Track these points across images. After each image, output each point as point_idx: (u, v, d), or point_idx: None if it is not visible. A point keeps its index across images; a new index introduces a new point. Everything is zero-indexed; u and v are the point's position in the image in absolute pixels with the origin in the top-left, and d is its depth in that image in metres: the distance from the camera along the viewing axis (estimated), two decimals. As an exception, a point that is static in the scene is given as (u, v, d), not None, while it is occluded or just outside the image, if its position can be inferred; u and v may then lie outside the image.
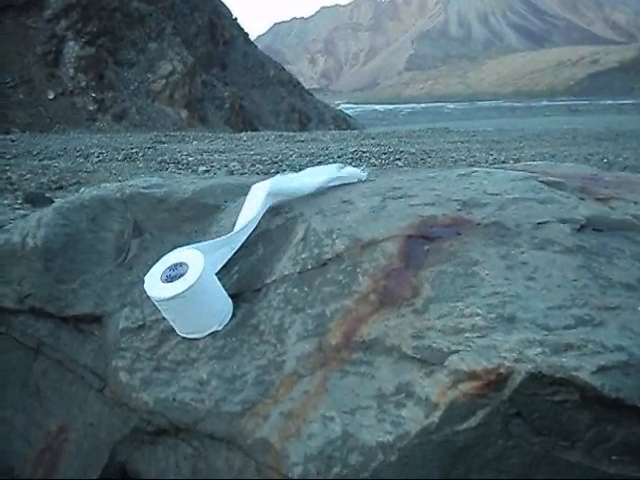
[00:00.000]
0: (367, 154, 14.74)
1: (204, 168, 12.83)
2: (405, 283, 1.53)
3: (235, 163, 13.50)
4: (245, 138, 21.05)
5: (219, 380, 1.56)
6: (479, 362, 1.26)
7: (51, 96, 31.28)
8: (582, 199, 1.90)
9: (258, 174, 11.62)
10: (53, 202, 7.74)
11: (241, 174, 11.76)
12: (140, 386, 1.66)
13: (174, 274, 1.62)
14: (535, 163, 2.84)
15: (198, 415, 1.53)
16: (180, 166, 13.42)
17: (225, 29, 47.65)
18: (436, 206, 1.79)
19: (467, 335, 1.33)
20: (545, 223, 1.68)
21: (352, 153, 15.05)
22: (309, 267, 1.70)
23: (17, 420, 2.05)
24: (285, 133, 23.94)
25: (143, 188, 2.29)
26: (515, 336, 1.30)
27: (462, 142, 19.57)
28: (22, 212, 7.17)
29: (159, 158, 14.62)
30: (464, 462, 1.25)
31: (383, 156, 14.51)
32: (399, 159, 14.27)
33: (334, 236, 1.73)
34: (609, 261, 1.58)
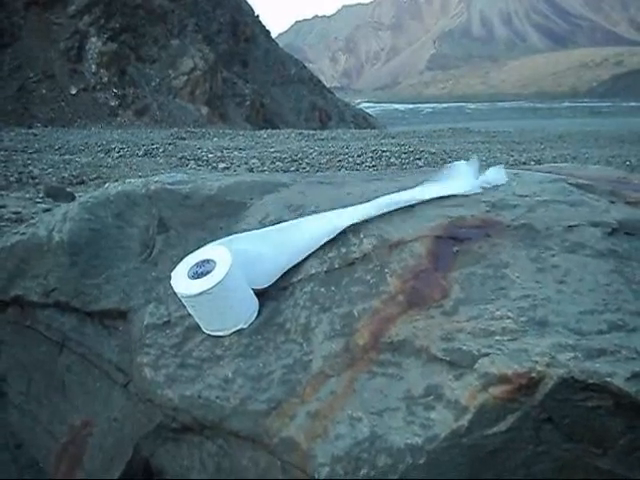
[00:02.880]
0: (387, 153, 14.71)
1: (224, 165, 12.87)
2: (434, 284, 1.52)
3: (255, 160, 13.53)
4: (265, 136, 21.10)
5: (245, 378, 1.56)
6: (510, 366, 1.24)
7: (73, 91, 31.50)
8: (612, 202, 1.88)
9: (278, 171, 11.63)
10: (74, 196, 7.76)
11: (261, 171, 11.77)
12: (165, 382, 1.66)
13: (201, 271, 1.62)
14: (561, 165, 2.81)
15: (223, 413, 1.52)
16: (200, 163, 13.47)
17: (247, 26, 47.69)
18: (465, 207, 1.77)
19: (497, 338, 1.32)
20: (576, 226, 1.66)
21: (372, 152, 15.01)
22: (336, 266, 1.69)
23: (42, 413, 2.06)
24: (305, 131, 23.97)
25: (168, 184, 2.29)
26: (547, 340, 1.29)
27: (483, 142, 19.51)
28: (43, 206, 7.23)
29: (179, 154, 14.69)
30: (493, 466, 1.23)
31: (403, 155, 14.46)
32: (419, 159, 14.23)
33: (361, 235, 1.72)
34: (642, 266, 1.55)
